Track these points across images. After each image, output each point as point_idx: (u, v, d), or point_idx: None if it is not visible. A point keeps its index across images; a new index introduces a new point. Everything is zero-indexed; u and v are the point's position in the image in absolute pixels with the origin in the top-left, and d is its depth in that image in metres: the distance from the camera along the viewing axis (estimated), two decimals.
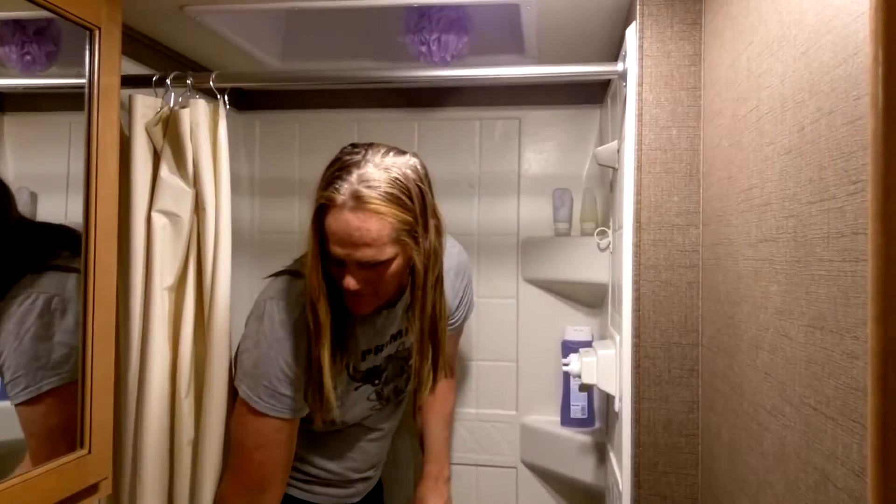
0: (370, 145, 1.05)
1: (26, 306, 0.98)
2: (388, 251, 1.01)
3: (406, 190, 1.01)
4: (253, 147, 1.86)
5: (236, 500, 1.13)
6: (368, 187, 0.98)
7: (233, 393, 1.17)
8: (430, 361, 1.17)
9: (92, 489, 0.99)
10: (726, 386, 0.95)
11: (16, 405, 0.99)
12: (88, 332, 0.97)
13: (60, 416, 0.97)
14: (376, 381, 1.24)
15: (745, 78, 0.86)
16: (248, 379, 1.10)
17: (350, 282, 1.03)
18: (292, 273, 1.14)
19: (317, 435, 1.24)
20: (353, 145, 1.06)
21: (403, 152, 1.06)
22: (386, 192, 0.99)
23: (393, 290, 1.11)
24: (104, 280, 1.00)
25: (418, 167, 1.05)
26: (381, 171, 1.00)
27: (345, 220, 0.98)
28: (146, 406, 1.12)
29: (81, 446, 0.97)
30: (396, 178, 1.00)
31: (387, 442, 1.37)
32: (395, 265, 1.04)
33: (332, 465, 1.27)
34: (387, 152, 1.03)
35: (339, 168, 1.01)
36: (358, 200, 0.97)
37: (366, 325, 1.18)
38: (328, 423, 1.18)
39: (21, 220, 1.05)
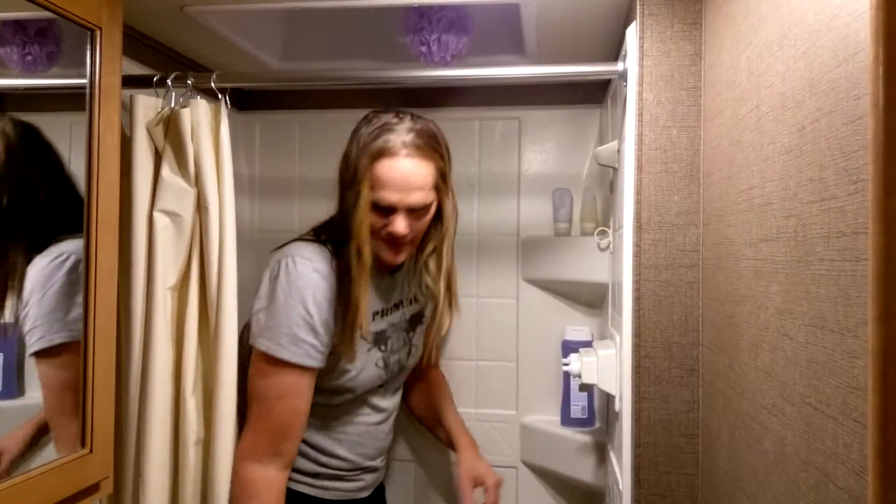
0: (398, 110, 1.20)
1: (56, 263, 1.04)
2: (431, 195, 1.16)
3: (439, 141, 1.18)
4: (253, 147, 1.86)
5: (258, 451, 1.15)
6: (416, 137, 1.14)
7: (244, 386, 1.18)
8: (447, 314, 1.29)
9: (93, 489, 0.99)
10: (726, 385, 0.95)
11: (31, 354, 1.04)
12: (90, 331, 0.97)
13: (73, 370, 1.01)
14: (383, 347, 1.28)
15: (746, 78, 0.86)
16: (268, 331, 1.14)
17: (400, 225, 1.14)
18: (301, 240, 1.21)
19: (326, 422, 1.27)
20: (379, 110, 1.19)
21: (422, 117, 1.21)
22: (428, 142, 1.15)
23: (421, 236, 1.23)
24: (105, 280, 1.00)
25: (439, 127, 1.22)
26: (419, 125, 1.16)
27: (401, 167, 1.12)
28: (149, 406, 1.12)
29: (83, 446, 0.97)
30: (432, 130, 1.18)
31: (390, 426, 1.41)
32: (430, 211, 1.19)
33: (343, 452, 1.29)
34: (413, 115, 1.20)
35: (380, 126, 1.15)
36: (410, 148, 1.13)
37: (372, 286, 1.23)
38: (342, 390, 1.24)
39: (69, 185, 1.08)
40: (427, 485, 1.78)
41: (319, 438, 1.28)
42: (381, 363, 1.28)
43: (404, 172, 1.11)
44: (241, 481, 1.14)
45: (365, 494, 1.37)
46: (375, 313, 1.27)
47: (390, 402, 1.38)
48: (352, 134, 1.19)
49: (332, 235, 1.21)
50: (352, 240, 1.14)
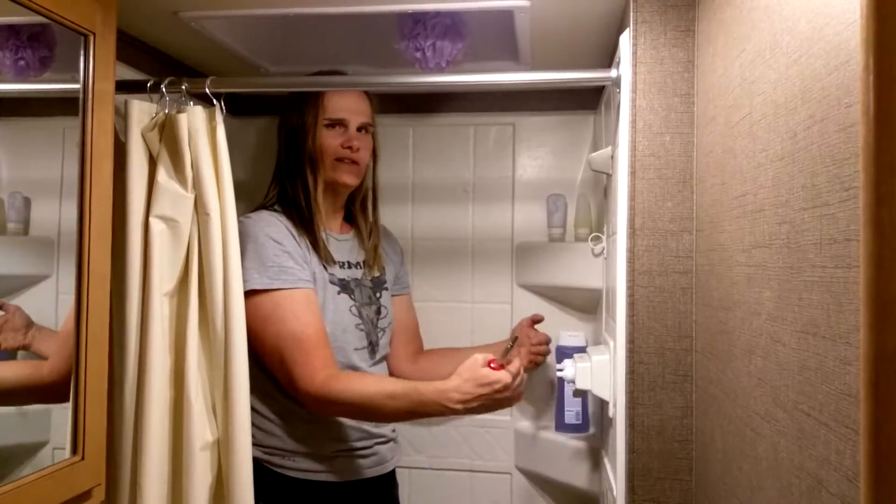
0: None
1: None
2: (372, 117, 1.43)
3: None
4: (247, 152, 1.86)
5: (318, 369, 1.20)
6: None
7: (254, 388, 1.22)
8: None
9: (85, 496, 0.98)
10: (720, 391, 0.95)
11: None
12: (82, 338, 0.97)
13: None
14: (353, 296, 1.40)
15: (738, 85, 0.87)
16: (251, 278, 1.24)
17: (351, 139, 1.37)
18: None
19: None
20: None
21: None
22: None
23: (366, 165, 1.43)
24: (98, 287, 0.99)
25: None
26: None
27: (347, 93, 1.40)
28: (146, 413, 1.11)
29: (74, 453, 0.97)
30: None
31: None
32: (371, 136, 1.43)
33: (349, 421, 1.34)
34: None
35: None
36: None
37: (330, 241, 1.41)
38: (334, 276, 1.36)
39: None
40: (423, 489, 1.77)
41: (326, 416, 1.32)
42: (354, 310, 1.38)
43: (351, 95, 1.40)
44: (334, 396, 1.19)
45: (384, 469, 1.41)
46: (336, 262, 1.39)
47: (379, 370, 1.44)
48: (288, 106, 1.43)
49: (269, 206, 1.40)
50: (315, 157, 1.36)
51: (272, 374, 1.30)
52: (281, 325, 1.23)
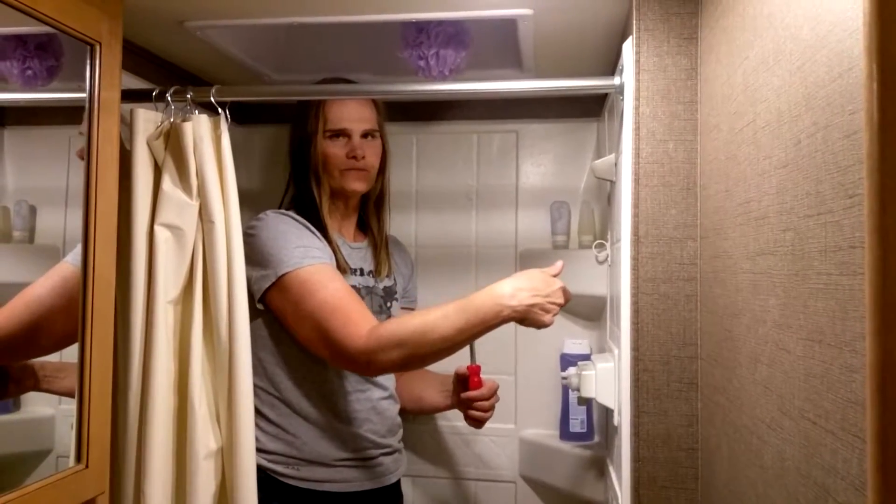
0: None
1: None
2: (377, 122, 1.42)
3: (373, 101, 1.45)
4: (252, 161, 1.87)
5: (361, 326, 1.17)
6: None
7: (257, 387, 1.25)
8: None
9: None
10: (725, 399, 0.94)
11: None
12: (87, 346, 0.97)
13: None
14: None
15: (742, 92, 0.87)
16: (280, 263, 1.24)
17: (355, 148, 1.37)
18: None
19: (334, 402, 1.33)
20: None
21: None
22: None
23: (376, 170, 1.43)
24: (103, 294, 1.00)
25: None
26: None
27: (348, 101, 1.39)
28: (150, 420, 1.10)
29: (79, 461, 0.97)
30: None
31: (395, 406, 1.46)
32: (379, 139, 1.43)
33: (354, 429, 1.34)
34: None
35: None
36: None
37: (344, 248, 1.40)
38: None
39: None
40: (428, 498, 1.77)
41: (332, 421, 1.32)
42: None
43: (351, 103, 1.39)
44: (388, 339, 1.15)
45: (388, 480, 1.40)
46: (350, 269, 1.40)
47: (385, 379, 1.43)
48: (295, 116, 1.44)
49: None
50: (319, 169, 1.37)
51: (288, 373, 1.31)
52: (311, 299, 1.21)
